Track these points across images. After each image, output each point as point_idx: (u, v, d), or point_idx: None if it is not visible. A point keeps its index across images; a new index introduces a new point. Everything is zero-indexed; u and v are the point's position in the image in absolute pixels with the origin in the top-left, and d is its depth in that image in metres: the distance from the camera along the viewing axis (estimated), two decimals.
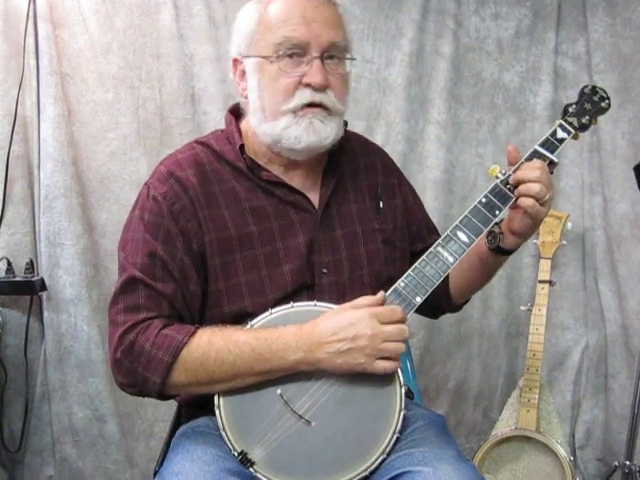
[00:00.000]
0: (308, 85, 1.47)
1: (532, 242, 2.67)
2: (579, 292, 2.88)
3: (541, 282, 2.62)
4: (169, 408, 1.76)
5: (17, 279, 2.42)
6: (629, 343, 2.74)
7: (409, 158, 2.75)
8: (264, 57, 1.49)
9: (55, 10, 2.40)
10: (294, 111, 1.48)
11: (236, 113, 1.63)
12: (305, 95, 1.48)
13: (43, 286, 2.45)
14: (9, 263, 2.41)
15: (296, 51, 1.47)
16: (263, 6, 1.50)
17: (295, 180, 1.58)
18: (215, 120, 2.53)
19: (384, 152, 1.82)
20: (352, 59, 1.55)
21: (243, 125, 1.61)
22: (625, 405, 2.67)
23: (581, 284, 2.88)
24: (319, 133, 1.50)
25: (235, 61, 1.56)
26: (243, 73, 1.55)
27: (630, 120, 2.69)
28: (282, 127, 1.49)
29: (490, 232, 1.53)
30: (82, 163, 2.49)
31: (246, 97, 1.55)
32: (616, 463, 2.46)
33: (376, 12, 2.68)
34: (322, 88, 1.48)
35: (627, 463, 2.41)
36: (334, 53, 1.50)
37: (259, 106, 1.51)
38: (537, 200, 1.43)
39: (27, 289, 2.43)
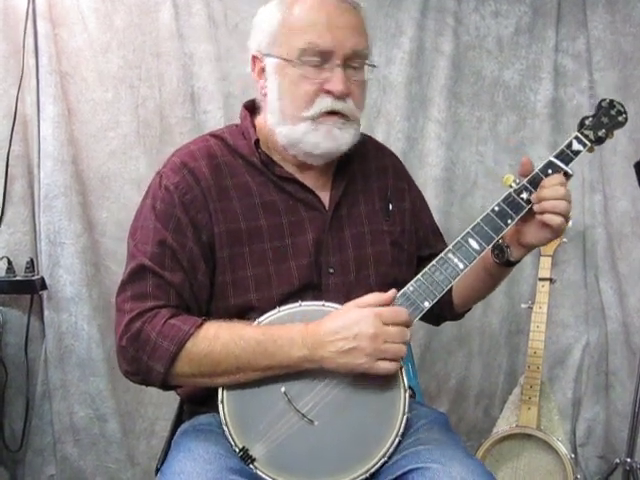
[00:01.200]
0: (329, 92, 1.47)
1: None
2: (580, 290, 2.88)
3: (542, 280, 2.61)
4: (170, 407, 1.77)
5: (17, 278, 2.41)
6: (630, 341, 2.74)
7: (409, 156, 2.74)
8: (286, 60, 1.48)
9: (54, 9, 2.40)
10: (313, 118, 1.48)
11: (251, 108, 1.63)
12: (325, 103, 1.48)
13: (43, 285, 2.44)
14: (9, 262, 2.41)
15: (319, 58, 1.46)
16: (286, 6, 1.49)
17: (307, 179, 1.58)
18: (215, 119, 2.53)
19: (396, 156, 1.83)
20: (373, 66, 1.55)
21: (258, 120, 1.61)
22: (626, 402, 2.67)
23: (582, 282, 2.88)
24: (337, 140, 1.51)
25: (254, 58, 1.55)
26: (262, 70, 1.54)
27: (631, 117, 2.63)
28: (301, 132, 1.50)
29: (496, 246, 1.53)
30: (82, 162, 2.49)
31: (265, 95, 1.54)
32: (617, 460, 2.47)
33: (376, 10, 2.68)
34: (343, 96, 1.48)
35: (628, 460, 2.42)
36: (356, 60, 1.50)
37: (278, 108, 1.51)
38: (563, 216, 1.45)
39: (27, 288, 2.43)
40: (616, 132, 2.65)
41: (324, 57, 1.46)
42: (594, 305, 2.86)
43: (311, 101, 1.48)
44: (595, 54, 2.73)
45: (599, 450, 2.90)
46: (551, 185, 1.46)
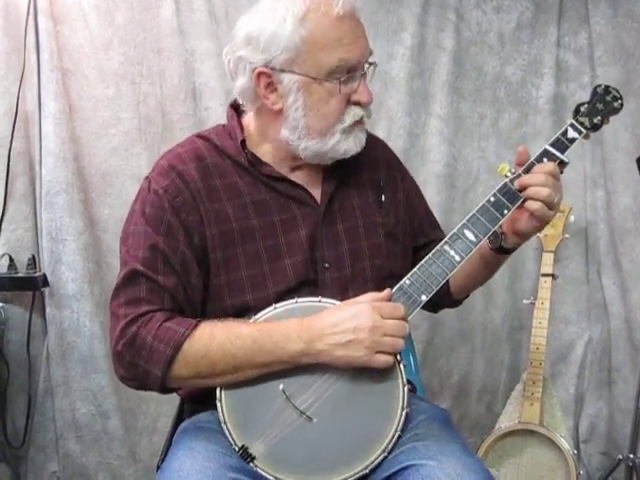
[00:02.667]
0: (357, 103, 1.48)
1: (535, 235, 2.66)
2: (582, 286, 2.88)
3: (544, 276, 2.61)
4: (172, 403, 1.76)
5: (19, 275, 2.42)
6: (633, 336, 2.74)
7: (411, 152, 2.74)
8: (313, 78, 1.45)
9: (55, 5, 2.40)
10: (344, 129, 1.49)
11: (237, 107, 1.61)
12: (356, 113, 1.49)
13: (45, 282, 2.45)
14: (11, 259, 2.41)
15: (348, 74, 1.45)
16: (299, 20, 1.41)
17: (297, 175, 1.57)
18: (216, 115, 2.52)
19: (387, 146, 1.82)
20: (375, 65, 1.53)
21: (245, 120, 1.60)
22: (629, 398, 2.66)
23: (584, 277, 2.87)
24: (362, 142, 1.53)
25: (261, 74, 1.46)
26: (269, 85, 1.48)
27: (632, 113, 2.68)
28: (332, 144, 1.50)
29: None
30: (83, 159, 2.49)
31: (280, 111, 1.49)
32: (620, 456, 2.47)
33: (377, 6, 2.68)
34: (369, 104, 1.50)
35: (631, 456, 2.42)
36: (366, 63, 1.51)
37: (303, 124, 1.48)
38: (545, 204, 1.43)
39: (29, 285, 2.43)
40: (618, 128, 2.68)
41: (351, 71, 1.46)
42: (596, 301, 2.86)
43: (341, 114, 1.48)
44: (597, 49, 2.72)
45: (602, 446, 2.89)
46: (536, 172, 1.45)
